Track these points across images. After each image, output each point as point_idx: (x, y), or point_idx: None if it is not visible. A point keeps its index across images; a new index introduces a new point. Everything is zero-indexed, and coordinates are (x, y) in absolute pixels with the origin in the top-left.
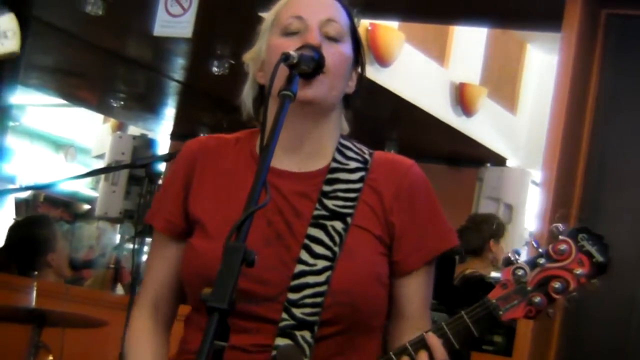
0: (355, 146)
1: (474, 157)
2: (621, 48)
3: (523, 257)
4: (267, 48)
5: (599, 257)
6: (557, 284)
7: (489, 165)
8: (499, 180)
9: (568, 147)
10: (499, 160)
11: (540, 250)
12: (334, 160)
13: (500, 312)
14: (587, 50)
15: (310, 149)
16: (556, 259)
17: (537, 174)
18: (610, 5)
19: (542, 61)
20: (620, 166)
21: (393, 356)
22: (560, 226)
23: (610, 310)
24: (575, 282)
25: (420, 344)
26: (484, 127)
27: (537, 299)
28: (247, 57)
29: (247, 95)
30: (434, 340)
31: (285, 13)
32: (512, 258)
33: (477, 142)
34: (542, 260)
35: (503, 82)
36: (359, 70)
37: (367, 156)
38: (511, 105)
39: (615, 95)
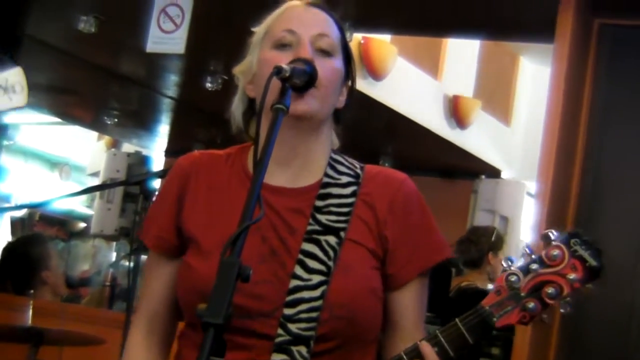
0: (346, 160)
1: (469, 169)
2: (614, 58)
3: (518, 265)
4: (258, 61)
5: (592, 262)
6: (550, 290)
7: (483, 177)
8: (494, 193)
9: (563, 158)
10: (494, 172)
11: (533, 256)
12: (326, 175)
13: (494, 319)
14: (580, 60)
15: (302, 163)
16: (549, 264)
17: (532, 186)
18: (603, 15)
19: (536, 72)
20: (616, 176)
21: None
22: (553, 232)
23: (609, 319)
24: (569, 287)
25: (414, 352)
26: (479, 139)
27: (531, 305)
28: (238, 70)
29: (237, 108)
30: (428, 349)
31: (278, 27)
32: (506, 265)
33: (471, 154)
34: (535, 266)
35: (497, 94)
36: (349, 84)
37: (358, 170)
38: (505, 117)
39: (609, 105)
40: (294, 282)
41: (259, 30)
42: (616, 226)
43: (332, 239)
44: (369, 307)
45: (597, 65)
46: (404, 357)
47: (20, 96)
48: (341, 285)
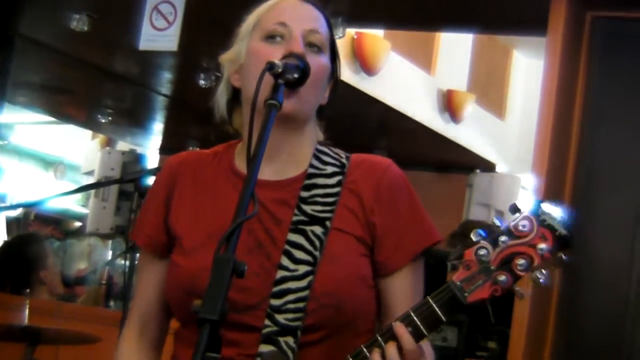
0: (332, 151)
1: (463, 163)
2: (607, 50)
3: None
4: (247, 52)
5: (562, 230)
6: (521, 261)
7: (478, 171)
8: (489, 186)
9: (557, 151)
10: (488, 166)
11: (502, 228)
12: (311, 166)
13: (466, 294)
14: (573, 53)
15: (287, 157)
16: (518, 235)
17: (527, 179)
18: (595, 8)
19: (529, 66)
20: (609, 169)
21: (364, 349)
22: (521, 203)
23: (604, 312)
24: (539, 258)
25: (389, 333)
26: (473, 133)
27: (502, 278)
28: (224, 57)
29: (221, 96)
30: (401, 330)
31: (269, 18)
32: (475, 239)
33: (465, 148)
34: (504, 238)
35: (490, 88)
36: (333, 81)
37: (344, 160)
38: (499, 111)
39: (602, 98)
40: (281, 273)
41: (248, 19)
42: (610, 219)
43: (318, 229)
44: (357, 295)
45: (590, 58)
46: (379, 339)
47: None
48: (328, 274)
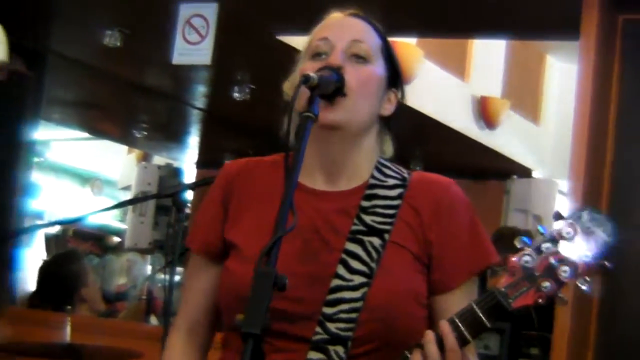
0: (394, 166)
1: (500, 170)
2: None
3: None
4: (298, 74)
5: (605, 238)
6: (565, 268)
7: (515, 177)
8: (526, 192)
9: (593, 155)
10: (525, 172)
11: (546, 235)
12: (372, 177)
13: (510, 300)
14: (606, 56)
15: (345, 169)
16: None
17: (564, 184)
18: (627, 11)
19: (563, 70)
20: None
21: (406, 352)
22: (565, 210)
23: None
24: (583, 265)
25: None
26: (508, 139)
27: (546, 284)
28: (286, 86)
29: (285, 123)
30: (447, 328)
31: (315, 37)
32: (520, 245)
33: (502, 154)
34: (547, 245)
35: (525, 93)
36: (396, 91)
37: (405, 175)
38: (534, 116)
39: (637, 100)
40: (336, 282)
41: (304, 44)
42: None
43: (376, 241)
44: (409, 312)
45: (623, 60)
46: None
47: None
48: (382, 288)
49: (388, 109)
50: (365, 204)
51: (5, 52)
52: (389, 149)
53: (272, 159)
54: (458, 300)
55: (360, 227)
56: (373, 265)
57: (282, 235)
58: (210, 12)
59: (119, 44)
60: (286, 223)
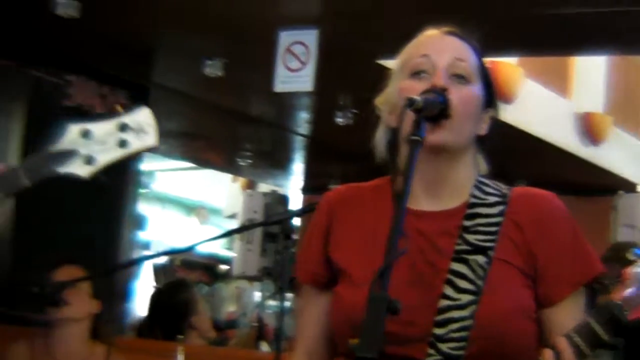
0: (493, 183)
1: (605, 185)
2: None
3: None
4: (396, 91)
5: None
6: None
7: (621, 192)
8: (634, 207)
9: None
10: (631, 187)
11: None
12: (473, 195)
13: (626, 312)
14: None
15: (446, 188)
16: None
17: None
18: None
19: None
20: None
21: None
22: None
23: None
24: None
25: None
26: (613, 154)
27: None
28: (379, 100)
29: (380, 138)
30: (563, 344)
31: (414, 54)
32: (633, 258)
33: (607, 170)
34: None
35: (628, 107)
36: (492, 111)
37: (505, 191)
38: (638, 130)
39: None
40: (444, 302)
41: (398, 60)
42: None
43: (480, 259)
44: (519, 328)
45: None
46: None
47: (151, 136)
48: (491, 304)
49: (484, 128)
50: (467, 223)
51: (156, 138)
52: (484, 166)
53: (373, 184)
54: (566, 313)
55: (464, 247)
56: (480, 282)
57: (395, 258)
58: (311, 38)
59: (220, 73)
60: (397, 246)
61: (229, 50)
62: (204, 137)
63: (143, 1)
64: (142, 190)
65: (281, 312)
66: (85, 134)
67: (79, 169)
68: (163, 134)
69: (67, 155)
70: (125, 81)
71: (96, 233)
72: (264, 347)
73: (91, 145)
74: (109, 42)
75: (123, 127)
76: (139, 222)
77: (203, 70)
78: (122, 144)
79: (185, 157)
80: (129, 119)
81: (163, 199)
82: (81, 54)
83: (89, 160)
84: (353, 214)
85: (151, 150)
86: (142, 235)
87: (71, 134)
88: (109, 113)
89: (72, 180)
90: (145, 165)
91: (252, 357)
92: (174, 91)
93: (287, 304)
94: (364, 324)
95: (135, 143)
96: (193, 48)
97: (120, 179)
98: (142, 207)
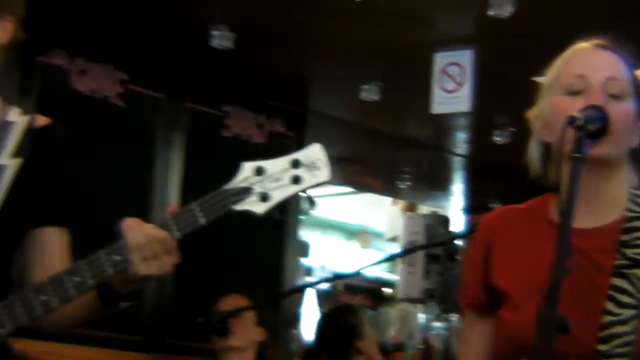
0: None
1: None
2: None
3: None
4: (550, 107)
5: None
6: None
7: None
8: None
9: None
10: None
11: None
12: (628, 210)
13: None
14: None
15: (603, 203)
16: None
17: None
18: None
19: None
20: None
21: None
22: None
23: None
24: None
25: None
26: None
27: None
28: (531, 115)
29: (533, 152)
30: None
31: (567, 72)
32: None
33: None
34: None
35: None
36: None
37: None
38: None
39: None
40: (607, 318)
41: (549, 74)
42: None
43: None
44: None
45: None
46: None
47: (324, 171)
48: None
49: (635, 140)
50: (625, 238)
51: (328, 172)
52: (636, 179)
53: (527, 206)
54: None
55: (624, 262)
56: None
57: (561, 276)
58: (466, 59)
59: (376, 97)
60: (563, 266)
61: (385, 74)
62: (362, 162)
63: (297, 31)
64: (302, 217)
65: (447, 334)
66: (259, 172)
67: (254, 206)
68: None
69: (243, 192)
70: (282, 109)
71: (261, 260)
72: None
73: (265, 182)
74: (264, 71)
75: (295, 164)
76: (302, 249)
77: (359, 95)
78: (296, 180)
79: (344, 182)
80: (301, 155)
81: (324, 224)
82: (236, 84)
83: (264, 197)
84: (510, 237)
85: (324, 183)
86: (304, 261)
87: (245, 171)
88: (280, 152)
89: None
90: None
91: None
92: (331, 117)
93: (453, 325)
94: (534, 344)
95: (309, 179)
96: (348, 74)
97: (282, 207)
98: (304, 234)
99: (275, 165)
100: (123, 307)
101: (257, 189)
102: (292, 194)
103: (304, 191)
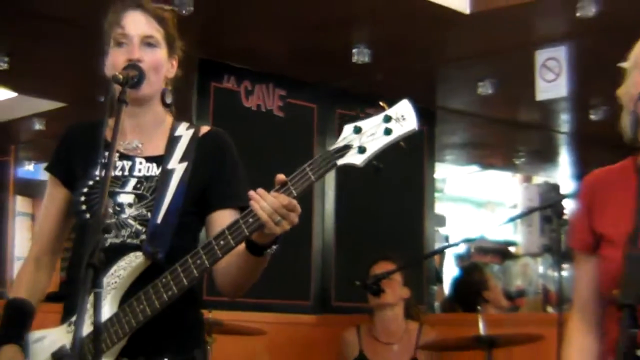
0: None
1: None
2: None
3: None
4: (633, 84)
5: None
6: None
7: None
8: None
9: None
10: None
11: None
12: None
13: None
14: None
15: None
16: None
17: None
18: None
19: None
20: None
21: None
22: None
23: None
24: None
25: None
26: None
27: None
28: (620, 91)
29: (624, 121)
30: None
31: None
32: None
33: None
34: None
35: None
36: None
37: None
38: None
39: None
40: None
41: (631, 58)
42: None
43: None
44: None
45: None
46: None
47: (411, 121)
48: None
49: None
50: None
51: (416, 122)
52: None
53: (619, 165)
54: None
55: None
56: None
57: None
58: (561, 54)
59: (490, 91)
60: None
61: (497, 71)
62: (484, 145)
63: (425, 42)
64: (437, 194)
65: (560, 280)
66: (357, 130)
67: (354, 159)
68: (450, 147)
69: (344, 149)
70: (416, 107)
71: (405, 232)
72: (550, 309)
73: (362, 137)
74: (398, 79)
75: (387, 119)
76: (439, 220)
77: (476, 90)
78: (388, 132)
79: (470, 162)
80: (392, 111)
81: (455, 199)
82: (376, 90)
83: (361, 150)
84: (606, 190)
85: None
86: (443, 231)
87: (346, 132)
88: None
89: (385, 192)
90: (437, 173)
91: (540, 318)
92: (455, 111)
93: (564, 272)
94: (623, 277)
95: (398, 129)
96: (467, 74)
97: (420, 186)
98: (439, 207)
99: (370, 122)
100: (270, 252)
101: (356, 144)
102: (386, 144)
103: (398, 142)
